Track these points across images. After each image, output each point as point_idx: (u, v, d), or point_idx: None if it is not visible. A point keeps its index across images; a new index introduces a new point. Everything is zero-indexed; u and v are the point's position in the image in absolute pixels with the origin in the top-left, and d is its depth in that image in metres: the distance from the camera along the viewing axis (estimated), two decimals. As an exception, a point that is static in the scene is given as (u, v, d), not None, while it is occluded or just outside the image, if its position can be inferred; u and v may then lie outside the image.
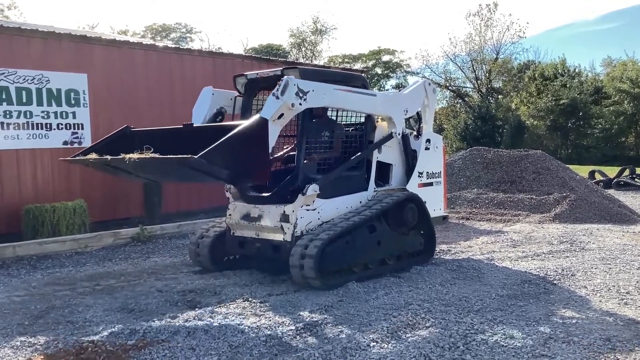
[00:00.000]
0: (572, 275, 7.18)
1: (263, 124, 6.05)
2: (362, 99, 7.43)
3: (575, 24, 77.62)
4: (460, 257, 8.34)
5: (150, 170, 6.24)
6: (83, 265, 8.32)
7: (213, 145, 5.29)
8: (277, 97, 6.37)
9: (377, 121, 7.97)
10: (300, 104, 6.54)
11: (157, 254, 9.01)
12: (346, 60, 51.18)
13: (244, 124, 5.90)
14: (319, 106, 7.04)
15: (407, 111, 8.13)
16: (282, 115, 6.43)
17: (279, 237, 6.83)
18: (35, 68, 10.26)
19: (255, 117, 6.12)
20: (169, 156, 5.38)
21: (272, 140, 6.34)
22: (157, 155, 5.48)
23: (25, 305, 6.24)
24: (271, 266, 7.23)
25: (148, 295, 6.47)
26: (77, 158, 6.64)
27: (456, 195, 13.36)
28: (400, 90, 9.44)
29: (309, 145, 7.13)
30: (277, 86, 6.44)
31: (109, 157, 6.04)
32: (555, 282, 6.88)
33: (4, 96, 9.90)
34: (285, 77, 6.51)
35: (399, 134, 7.95)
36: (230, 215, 7.31)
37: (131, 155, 5.60)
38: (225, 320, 5.45)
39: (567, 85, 41.18)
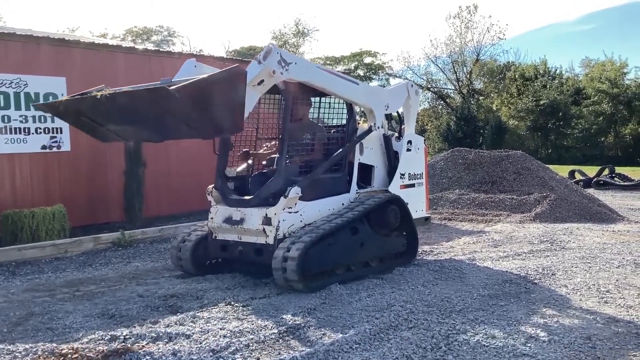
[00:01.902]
0: (552, 274, 7.24)
1: (241, 74, 5.68)
2: (344, 84, 7.43)
3: (554, 25, 78.61)
4: (442, 258, 8.37)
5: (123, 115, 5.87)
6: (63, 271, 8.22)
7: (188, 81, 5.18)
8: (259, 62, 6.38)
9: (358, 123, 7.99)
10: (281, 73, 6.49)
11: (139, 259, 8.93)
12: (328, 62, 51.32)
13: (222, 70, 5.65)
14: (300, 80, 6.95)
15: (387, 107, 8.12)
16: (262, 81, 6.42)
17: (261, 240, 6.81)
18: (13, 72, 10.14)
19: (233, 67, 5.77)
20: (141, 89, 5.27)
21: (250, 106, 6.24)
22: (130, 89, 5.37)
23: (3, 312, 6.14)
24: (254, 269, 7.20)
25: (129, 300, 6.41)
26: (49, 102, 6.38)
27: (438, 196, 13.43)
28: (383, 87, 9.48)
29: (291, 147, 7.12)
30: (261, 51, 6.43)
31: (78, 95, 5.86)
32: (536, 281, 6.93)
33: (-20, 100, 9.77)
34: (269, 44, 6.50)
35: (378, 128, 7.94)
36: (212, 218, 7.27)
37: (104, 91, 5.50)
38: (207, 324, 5.41)
39: (547, 86, 41.63)
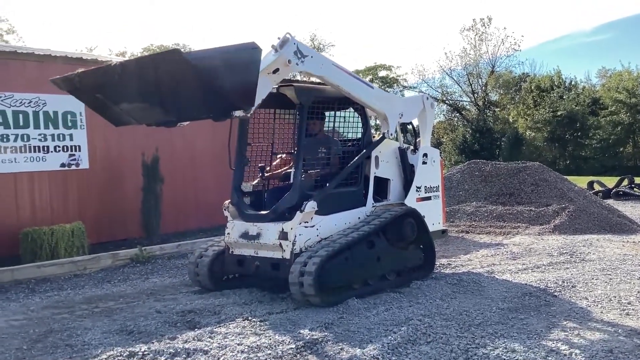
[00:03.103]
0: (572, 286, 7.15)
1: (256, 48, 5.69)
2: (359, 85, 7.42)
3: (570, 36, 78.14)
4: (460, 271, 8.31)
5: (137, 87, 5.88)
6: (82, 287, 8.28)
7: (202, 50, 5.23)
8: (276, 50, 6.39)
9: (374, 136, 7.98)
10: (297, 64, 6.51)
11: (156, 275, 8.97)
12: (343, 76, 51.40)
13: (238, 44, 5.70)
14: (315, 74, 6.97)
15: (402, 115, 8.06)
16: (277, 70, 6.42)
17: (277, 254, 6.81)
18: (32, 91, 10.28)
19: (249, 42, 5.78)
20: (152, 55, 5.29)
21: (262, 94, 6.22)
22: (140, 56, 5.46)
23: (23, 329, 6.20)
24: (271, 284, 7.19)
25: (147, 316, 6.43)
26: (65, 76, 6.35)
27: (455, 208, 13.35)
28: None
29: (306, 162, 7.14)
30: (277, 39, 6.44)
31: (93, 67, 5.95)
32: (556, 294, 6.85)
33: (0, 120, 9.92)
34: (286, 33, 6.50)
35: (391, 134, 7.92)
36: (228, 234, 7.29)
37: (117, 60, 5.60)
38: (225, 340, 5.41)
39: (564, 97, 41.38)
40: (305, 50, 6.62)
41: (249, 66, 5.56)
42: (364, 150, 7.54)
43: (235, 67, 5.50)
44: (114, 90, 6.02)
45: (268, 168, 7.93)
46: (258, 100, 6.11)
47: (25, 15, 60.88)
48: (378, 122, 8.17)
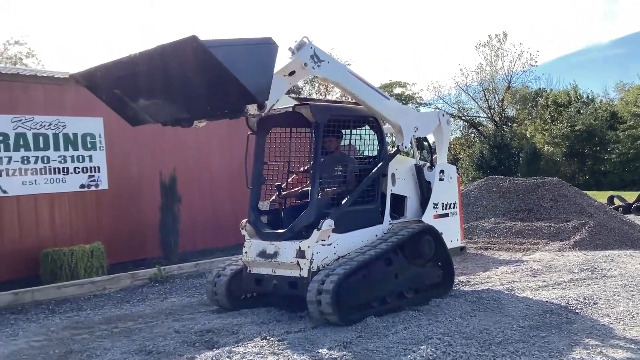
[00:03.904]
0: (594, 303, 7.05)
1: (273, 43, 5.85)
2: (375, 94, 7.44)
3: (586, 50, 77.69)
4: (479, 288, 8.23)
5: (155, 80, 5.99)
6: (101, 308, 8.32)
7: (219, 39, 5.33)
8: (292, 53, 6.49)
9: (389, 153, 7.97)
10: (313, 68, 6.59)
11: (175, 294, 9.00)
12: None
13: (255, 37, 5.85)
14: (331, 79, 7.04)
15: (417, 129, 8.01)
16: (293, 72, 6.49)
17: (295, 273, 6.80)
18: (52, 114, 10.44)
19: (266, 37, 5.93)
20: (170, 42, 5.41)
21: (278, 94, 6.29)
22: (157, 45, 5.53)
23: (44, 350, 6.24)
24: (289, 303, 7.18)
25: (166, 336, 6.44)
26: (85, 70, 6.42)
27: (473, 225, 13.25)
28: None
29: (323, 180, 7.15)
30: (295, 42, 6.55)
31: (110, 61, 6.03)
32: (577, 311, 6.76)
33: (21, 142, 10.07)
34: (303, 37, 6.61)
35: (405, 147, 7.89)
36: (246, 252, 7.31)
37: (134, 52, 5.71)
38: (243, 359, 5.40)
39: (582, 112, 41.10)
40: (322, 55, 6.70)
41: (265, 60, 5.68)
42: (379, 165, 7.52)
43: (252, 59, 5.61)
44: (132, 83, 6.11)
45: (284, 186, 7.95)
46: (273, 100, 6.19)
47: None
48: (393, 138, 8.17)
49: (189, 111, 6.28)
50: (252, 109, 6.01)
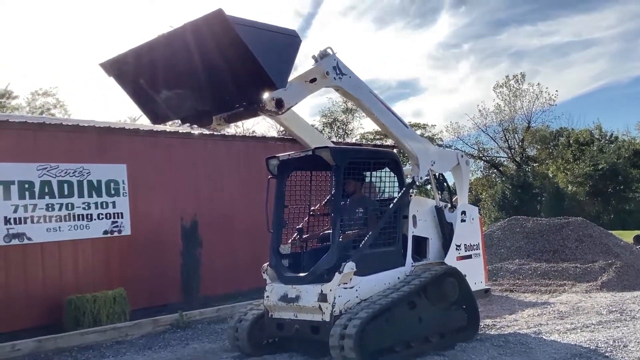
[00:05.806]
0: (624, 346, 6.86)
1: (297, 36, 5.92)
2: (393, 119, 7.52)
3: (606, 88, 77.19)
4: (506, 332, 8.06)
5: (179, 64, 6.03)
6: (123, 355, 8.29)
7: (246, 18, 5.44)
8: (316, 60, 6.66)
9: (410, 195, 7.94)
10: (334, 78, 6.72)
11: (197, 340, 8.94)
12: (377, 136, 51.75)
13: (280, 27, 5.90)
14: (351, 94, 7.09)
15: (434, 163, 8.02)
16: (314, 80, 6.59)
17: (317, 317, 6.73)
18: (76, 161, 10.62)
19: (291, 29, 6.01)
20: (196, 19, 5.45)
21: (298, 98, 6.38)
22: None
23: (65, 397, 6.21)
24: (311, 348, 7.08)
25: (187, 383, 6.38)
26: (113, 58, 6.44)
27: (497, 266, 13.06)
28: None
29: (344, 222, 7.14)
30: (319, 51, 6.76)
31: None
32: (607, 354, 6.58)
33: (46, 190, 10.23)
34: (327, 47, 6.79)
35: (421, 178, 7.86)
36: (267, 297, 7.27)
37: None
38: (266, 406, 5.32)
39: (604, 150, 40.77)
40: (345, 69, 6.84)
41: (287, 48, 5.82)
42: (394, 202, 7.49)
43: (274, 45, 5.68)
44: (157, 70, 6.19)
45: (305, 229, 7.94)
46: (292, 103, 6.29)
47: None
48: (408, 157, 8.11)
49: (208, 102, 6.32)
50: (269, 104, 6.07)
